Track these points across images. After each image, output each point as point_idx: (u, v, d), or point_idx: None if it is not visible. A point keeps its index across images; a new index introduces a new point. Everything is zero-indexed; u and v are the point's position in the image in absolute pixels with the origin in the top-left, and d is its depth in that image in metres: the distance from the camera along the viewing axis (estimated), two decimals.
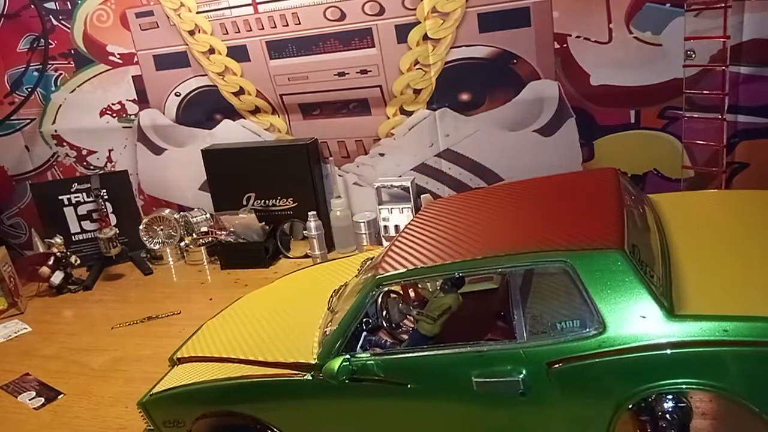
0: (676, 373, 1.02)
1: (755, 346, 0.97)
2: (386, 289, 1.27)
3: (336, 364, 1.19)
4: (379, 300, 1.29)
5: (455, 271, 1.20)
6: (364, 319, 1.26)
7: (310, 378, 1.25)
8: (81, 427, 1.69)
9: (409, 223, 1.49)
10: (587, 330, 1.06)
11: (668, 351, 1.01)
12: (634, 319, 1.03)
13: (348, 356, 1.21)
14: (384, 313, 1.31)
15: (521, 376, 1.09)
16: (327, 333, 1.30)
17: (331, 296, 1.48)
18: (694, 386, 1.02)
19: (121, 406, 1.73)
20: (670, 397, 1.04)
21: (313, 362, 1.25)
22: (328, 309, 1.42)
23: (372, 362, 1.20)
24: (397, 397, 1.20)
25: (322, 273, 1.78)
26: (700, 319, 1.01)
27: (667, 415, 1.05)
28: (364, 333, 1.27)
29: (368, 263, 1.53)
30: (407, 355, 1.22)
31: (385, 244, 2.53)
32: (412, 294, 1.43)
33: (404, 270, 1.22)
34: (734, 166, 2.13)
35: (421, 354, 1.20)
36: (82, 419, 1.72)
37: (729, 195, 1.57)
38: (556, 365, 1.07)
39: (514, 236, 1.25)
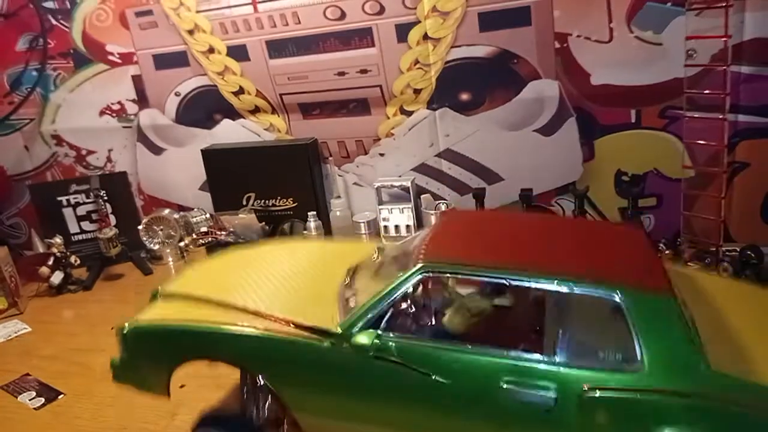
0: (702, 424, 1.05)
1: None
2: (427, 276, 1.25)
3: (367, 337, 1.19)
4: (412, 285, 1.26)
5: (508, 277, 1.20)
6: (395, 300, 1.24)
7: (329, 345, 1.23)
8: (81, 427, 1.68)
9: (441, 220, 1.47)
10: (626, 365, 1.09)
11: (702, 401, 1.05)
12: (675, 365, 1.07)
13: (379, 332, 1.20)
14: (417, 298, 1.30)
15: (553, 393, 1.10)
16: (350, 307, 1.27)
17: (347, 273, 1.44)
18: None
19: (121, 406, 1.73)
20: None
21: (335, 331, 1.23)
22: (345, 284, 1.38)
23: (401, 344, 1.19)
24: (418, 384, 1.19)
25: (324, 247, 1.73)
26: (737, 379, 1.06)
27: None
28: (391, 313, 1.25)
29: (384, 250, 1.48)
30: (440, 345, 1.20)
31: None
32: (446, 286, 1.41)
33: (453, 263, 1.22)
34: (735, 166, 2.13)
35: (454, 347, 1.19)
36: (82, 419, 1.71)
37: (729, 281, 1.66)
38: (591, 391, 1.09)
39: (568, 260, 1.25)
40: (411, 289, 1.25)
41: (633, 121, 2.22)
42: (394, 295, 1.23)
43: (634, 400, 1.07)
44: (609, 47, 2.15)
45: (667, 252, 2.04)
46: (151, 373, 1.40)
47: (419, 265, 1.22)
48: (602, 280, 1.14)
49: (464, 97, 2.40)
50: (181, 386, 1.68)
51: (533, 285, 1.18)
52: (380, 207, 2.55)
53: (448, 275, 1.31)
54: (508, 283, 1.22)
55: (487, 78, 2.33)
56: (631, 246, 1.34)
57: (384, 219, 2.55)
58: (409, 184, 2.51)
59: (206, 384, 1.72)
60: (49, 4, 2.80)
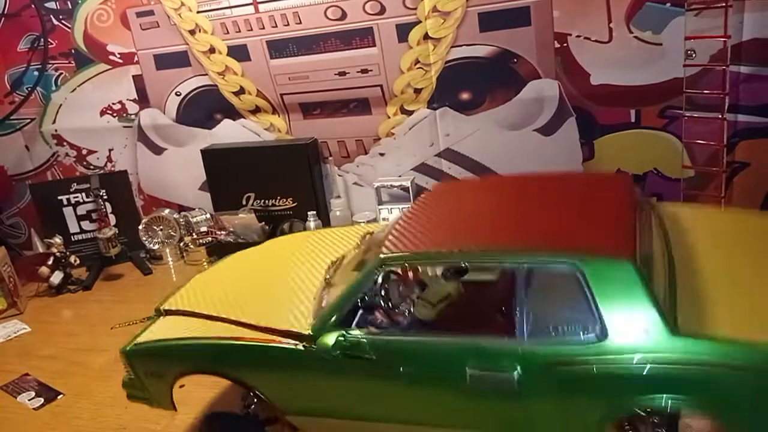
0: (670, 389, 1.02)
1: (753, 372, 0.98)
2: (389, 269, 1.26)
3: (331, 338, 1.20)
4: (380, 279, 1.27)
5: (462, 260, 1.20)
6: (361, 296, 1.25)
7: (302, 348, 1.25)
8: (80, 427, 1.68)
9: (417, 202, 1.47)
10: (588, 336, 1.07)
11: (666, 366, 1.02)
12: (637, 332, 1.04)
13: (344, 332, 1.21)
14: (383, 292, 1.30)
15: (516, 373, 1.09)
16: (323, 305, 1.29)
17: (328, 267, 1.47)
18: (685, 404, 1.02)
19: (120, 406, 1.72)
20: (657, 411, 1.04)
21: (307, 333, 1.25)
22: (324, 280, 1.41)
23: (367, 341, 1.20)
24: (388, 378, 1.20)
25: (315, 239, 1.75)
26: (702, 340, 1.01)
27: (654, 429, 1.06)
28: (361, 310, 1.26)
29: (369, 237, 1.51)
30: (403, 338, 1.22)
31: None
32: (411, 275, 1.40)
33: (411, 253, 1.23)
34: (735, 166, 2.13)
35: (417, 339, 1.20)
36: (81, 419, 1.71)
37: (736, 214, 1.55)
38: (554, 367, 1.07)
39: (525, 232, 1.23)
40: (376, 284, 1.25)
41: (633, 120, 2.22)
42: (357, 294, 1.24)
43: (600, 371, 1.04)
44: (608, 47, 2.15)
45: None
46: (154, 388, 1.44)
47: (377, 262, 1.22)
48: (557, 251, 1.11)
49: (464, 96, 2.41)
50: (181, 386, 1.68)
51: (489, 264, 1.18)
52: (380, 207, 2.55)
53: (407, 266, 1.31)
54: (465, 266, 1.22)
55: (487, 78, 2.33)
56: (606, 203, 1.30)
57: (384, 219, 2.55)
58: (409, 184, 2.51)
59: (205, 384, 1.71)
60: (51, 5, 2.81)
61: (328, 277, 1.42)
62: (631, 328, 1.04)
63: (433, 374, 1.17)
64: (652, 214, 1.39)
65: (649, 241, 1.22)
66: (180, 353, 1.39)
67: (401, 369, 1.18)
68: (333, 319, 1.23)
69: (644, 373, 1.03)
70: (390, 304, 1.31)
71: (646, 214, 1.33)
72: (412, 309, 1.31)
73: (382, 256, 1.22)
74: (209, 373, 1.39)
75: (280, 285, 1.48)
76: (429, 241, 1.25)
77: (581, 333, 1.08)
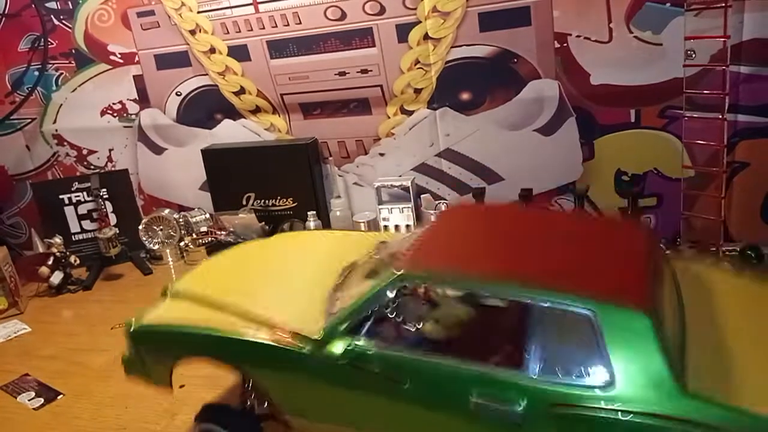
0: None
1: None
2: (405, 284, 1.26)
3: (340, 346, 1.20)
4: (394, 293, 1.25)
5: (482, 289, 1.20)
6: (374, 308, 1.24)
7: (308, 352, 1.25)
8: (80, 427, 1.69)
9: (437, 218, 1.47)
10: (597, 381, 1.07)
11: (672, 424, 1.01)
12: (645, 385, 1.04)
13: (353, 341, 1.21)
14: (396, 307, 1.29)
15: (521, 408, 1.09)
16: (334, 311, 1.29)
17: (341, 272, 1.46)
18: None
19: (120, 406, 1.73)
20: None
21: (316, 337, 1.24)
22: (336, 285, 1.40)
23: (375, 353, 1.20)
24: (391, 393, 1.19)
25: (329, 241, 1.74)
26: (710, 403, 1.01)
27: None
28: (371, 322, 1.25)
29: (383, 246, 1.49)
30: (411, 355, 1.21)
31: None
32: (425, 294, 1.40)
33: (430, 273, 1.23)
34: (734, 166, 2.13)
35: (425, 358, 1.19)
36: (81, 419, 1.72)
37: (752, 278, 1.52)
38: (559, 408, 1.07)
39: (546, 270, 1.23)
40: (390, 296, 1.24)
41: (633, 120, 2.22)
42: (371, 305, 1.23)
43: (604, 419, 1.04)
44: (608, 47, 2.15)
45: (667, 252, 2.04)
46: (154, 368, 1.45)
47: (396, 275, 1.22)
48: (576, 293, 1.11)
49: (464, 96, 2.41)
50: (181, 386, 1.68)
51: (508, 297, 1.18)
52: (380, 207, 2.55)
53: (424, 285, 1.31)
54: (482, 296, 1.22)
55: (488, 78, 2.33)
56: (624, 250, 1.30)
57: (384, 219, 2.55)
58: (409, 183, 2.51)
59: (206, 384, 1.72)
60: (52, 5, 2.81)
61: (340, 281, 1.41)
62: (639, 380, 1.04)
63: (436, 395, 1.17)
64: (668, 266, 1.37)
65: (662, 294, 1.21)
66: (184, 338, 1.39)
67: (405, 386, 1.18)
68: (343, 327, 1.23)
69: (650, 428, 1.02)
70: (402, 320, 1.30)
71: (662, 267, 1.32)
72: (422, 327, 1.30)
73: (400, 271, 1.22)
74: (211, 359, 1.39)
75: (291, 282, 1.48)
76: (448, 263, 1.25)
77: (592, 378, 1.08)
